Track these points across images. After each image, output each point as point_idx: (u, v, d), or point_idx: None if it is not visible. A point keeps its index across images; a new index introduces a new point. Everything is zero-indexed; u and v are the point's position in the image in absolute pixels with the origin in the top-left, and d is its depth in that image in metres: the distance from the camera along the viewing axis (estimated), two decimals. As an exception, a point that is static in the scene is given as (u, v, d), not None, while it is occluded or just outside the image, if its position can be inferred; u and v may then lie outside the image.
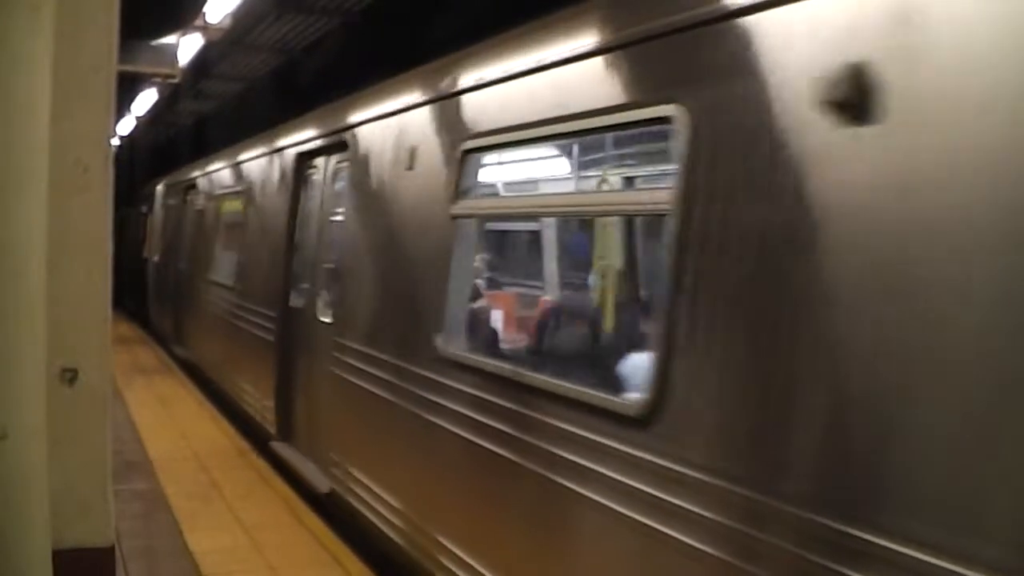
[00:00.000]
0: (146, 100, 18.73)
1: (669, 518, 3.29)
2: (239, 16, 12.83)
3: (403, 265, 6.02)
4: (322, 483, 7.07)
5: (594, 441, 3.76)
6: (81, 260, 3.06)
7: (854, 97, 2.72)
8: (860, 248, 2.71)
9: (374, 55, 11.65)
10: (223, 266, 11.53)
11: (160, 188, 17.89)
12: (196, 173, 14.36)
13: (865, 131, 2.70)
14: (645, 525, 3.41)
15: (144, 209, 19.80)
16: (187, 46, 13.36)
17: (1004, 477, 2.27)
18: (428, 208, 5.58)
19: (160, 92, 18.04)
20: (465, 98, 5.29)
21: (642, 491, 3.43)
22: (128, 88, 16.35)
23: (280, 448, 8.28)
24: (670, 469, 3.31)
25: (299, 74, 16.66)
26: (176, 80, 14.65)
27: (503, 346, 5.93)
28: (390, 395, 5.86)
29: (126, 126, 23.32)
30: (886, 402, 2.57)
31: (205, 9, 11.75)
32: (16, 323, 2.61)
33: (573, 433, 3.90)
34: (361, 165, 6.86)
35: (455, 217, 5.23)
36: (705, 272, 3.31)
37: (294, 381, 8.30)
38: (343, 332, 6.89)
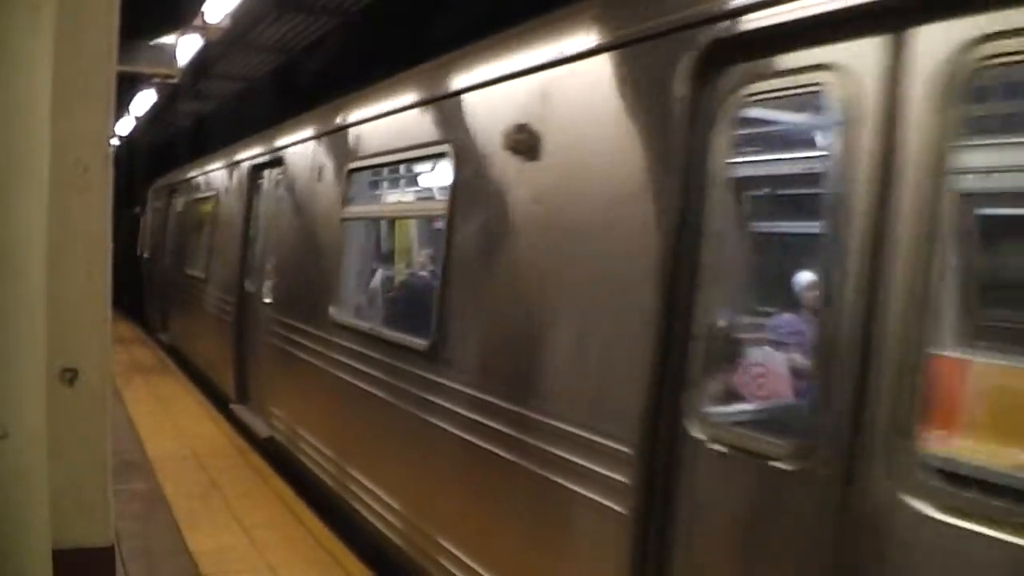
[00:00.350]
0: (145, 100, 18.71)
1: (441, 414, 5.23)
2: (238, 16, 12.81)
3: (313, 255, 7.85)
4: (263, 430, 8.83)
5: (405, 369, 5.77)
6: (81, 260, 3.06)
7: (527, 142, 4.56)
8: (533, 237, 4.55)
9: (374, 55, 11.66)
10: (197, 260, 13.19)
11: (151, 191, 19.58)
12: (177, 179, 16.20)
13: (532, 164, 4.55)
14: (430, 422, 5.35)
15: (137, 210, 21.47)
16: (186, 46, 13.34)
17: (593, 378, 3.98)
18: (328, 213, 7.49)
19: (159, 92, 18.02)
20: (350, 131, 7.21)
21: (430, 400, 5.38)
22: (127, 88, 16.34)
23: (237, 409, 9.90)
24: (442, 384, 5.27)
25: (299, 74, 16.66)
26: (175, 80, 14.64)
27: (369, 312, 7.74)
28: (305, 355, 7.74)
29: (125, 126, 23.31)
30: (541, 337, 4.36)
31: (204, 9, 11.75)
32: (16, 323, 2.61)
33: (396, 365, 5.92)
34: (291, 178, 8.74)
35: (343, 219, 7.16)
36: (459, 257, 5.20)
37: (248, 353, 9.86)
38: (278, 309, 8.70)
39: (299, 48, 16.61)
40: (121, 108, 18.56)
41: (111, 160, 3.17)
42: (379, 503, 6.09)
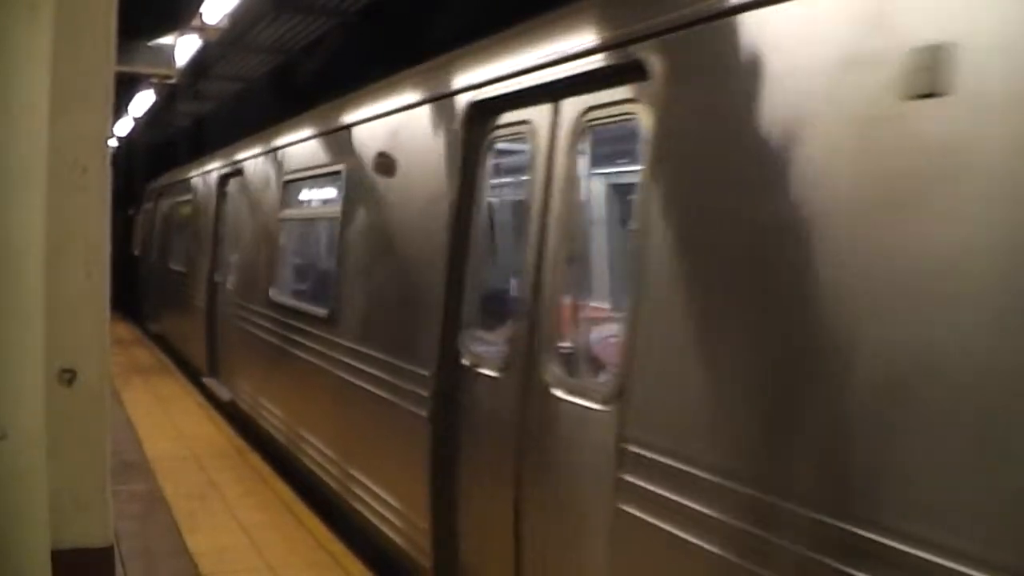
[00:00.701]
0: (143, 101, 18.70)
1: (335, 364, 6.93)
2: (237, 16, 12.80)
3: (261, 249, 9.76)
4: (226, 395, 10.70)
5: (312, 331, 7.61)
6: (80, 260, 3.06)
7: (386, 164, 6.27)
8: (389, 232, 6.31)
9: (373, 55, 11.65)
10: (178, 256, 15.09)
11: (144, 194, 21.23)
12: (164, 183, 18.19)
13: (389, 180, 6.31)
14: (328, 371, 7.08)
15: (131, 212, 22.85)
16: (184, 46, 13.33)
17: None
18: (271, 214, 9.49)
19: (158, 93, 18.01)
20: (284, 151, 9.25)
21: (328, 354, 7.11)
22: (125, 89, 16.32)
23: (208, 381, 11.69)
24: (335, 341, 6.98)
25: (297, 74, 16.66)
26: (173, 81, 14.62)
27: (294, 292, 9.15)
28: (255, 330, 9.59)
29: (123, 127, 23.30)
30: (390, 303, 6.11)
31: (202, 9, 11.74)
32: (15, 323, 2.61)
33: (308, 330, 7.71)
34: (247, 186, 10.73)
35: (280, 220, 9.23)
36: (346, 248, 7.03)
37: (217, 333, 11.64)
38: (237, 295, 10.55)
39: (297, 48, 16.59)
40: (119, 109, 18.54)
41: (109, 160, 3.17)
42: (309, 445, 7.61)
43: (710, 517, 3.10)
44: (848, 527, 2.61)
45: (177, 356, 14.41)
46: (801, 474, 2.82)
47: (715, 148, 3.37)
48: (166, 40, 11.76)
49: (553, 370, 4.32)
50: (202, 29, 12.73)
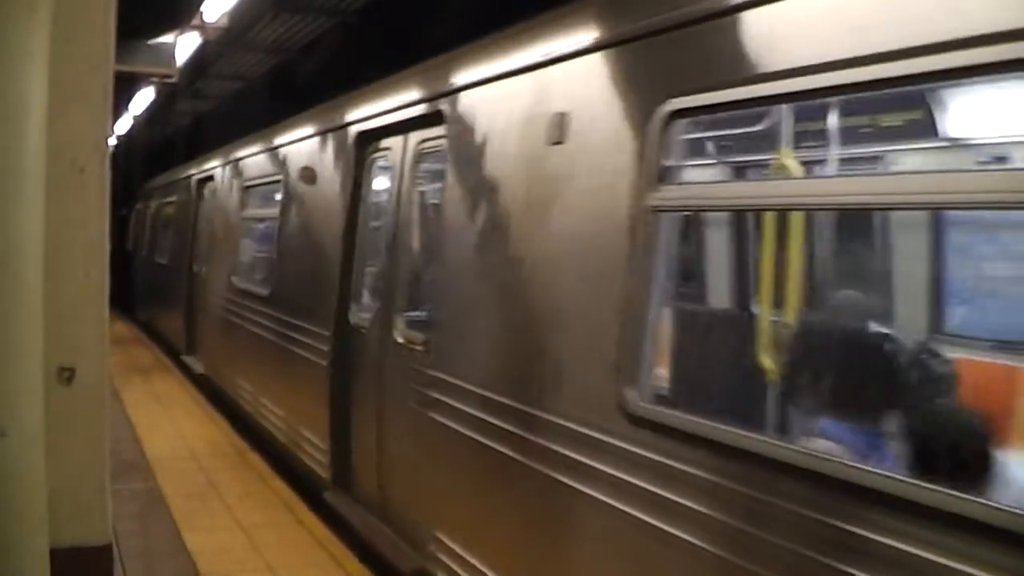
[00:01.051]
0: (143, 100, 18.71)
1: (272, 333, 8.81)
2: (236, 15, 12.81)
3: (227, 243, 11.61)
4: (199, 368, 12.56)
5: (257, 307, 9.52)
6: (79, 260, 3.06)
7: (310, 176, 8.25)
8: (309, 229, 8.28)
9: (372, 54, 11.65)
10: (163, 251, 16.86)
11: (138, 194, 22.90)
12: (153, 185, 20.23)
13: (311, 188, 8.30)
14: (268, 338, 8.96)
15: (123, 212, 23.76)
16: (184, 45, 13.33)
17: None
18: (235, 214, 11.46)
19: (157, 92, 18.00)
20: (243, 161, 11.30)
21: (268, 325, 8.99)
22: (125, 88, 16.32)
23: (186, 358, 13.56)
24: (273, 315, 8.86)
25: (296, 74, 16.66)
26: (173, 80, 14.60)
27: (250, 278, 10.73)
28: (222, 312, 11.27)
29: (123, 126, 23.29)
30: (308, 281, 8.03)
31: (202, 8, 11.74)
32: (14, 322, 2.61)
33: (256, 307, 9.56)
34: (218, 190, 12.65)
35: (241, 219, 11.25)
36: (283, 241, 8.97)
37: (195, 315, 13.45)
38: (210, 282, 12.28)
39: (296, 48, 16.60)
40: (119, 108, 18.54)
41: (108, 160, 3.17)
42: (263, 407, 9.18)
43: (469, 413, 4.90)
44: (530, 410, 4.30)
45: (161, 338, 16.35)
46: (508, 382, 4.58)
47: (468, 168, 5.21)
48: (166, 39, 11.75)
49: (399, 326, 6.24)
50: (202, 28, 12.72)
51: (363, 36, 13.65)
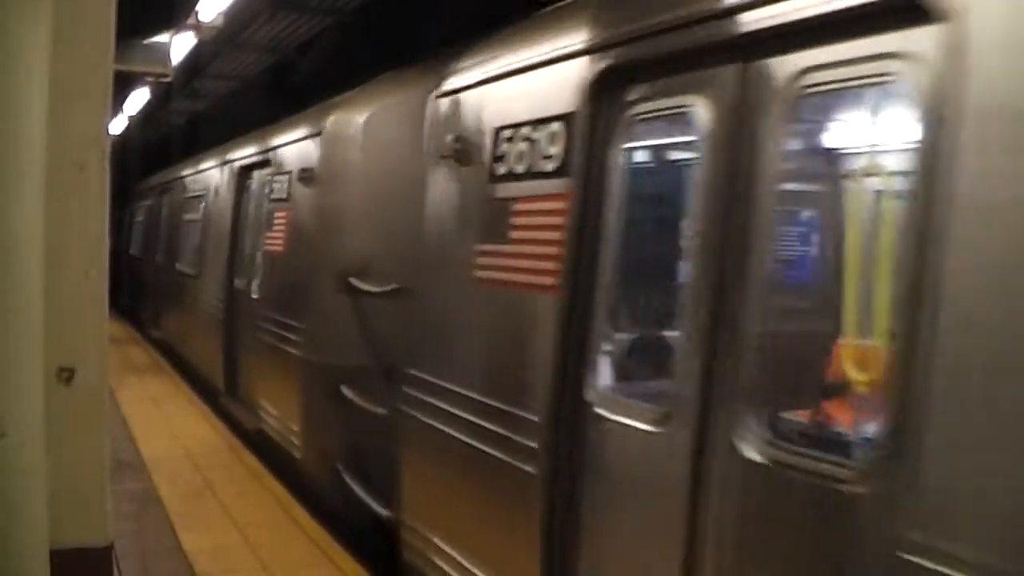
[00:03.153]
0: (138, 99, 18.66)
1: (204, 303, 12.20)
2: (232, 15, 12.77)
3: (178, 238, 15.00)
4: (156, 334, 16.27)
5: (191, 284, 13.30)
6: (78, 259, 3.05)
7: (216, 192, 12.64)
8: (214, 225, 12.48)
9: (368, 54, 11.64)
10: (137, 246, 20.74)
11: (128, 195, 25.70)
12: (138, 188, 22.83)
13: (217, 198, 12.47)
14: (203, 310, 12.22)
15: (119, 213, 25.47)
16: (180, 45, 13.30)
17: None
18: (181, 216, 14.97)
19: (153, 91, 17.95)
20: (186, 179, 15.18)
21: (199, 298, 12.62)
22: (121, 87, 16.28)
23: (153, 332, 16.72)
24: (202, 290, 12.45)
25: (293, 73, 16.63)
26: (169, 79, 14.58)
27: (186, 261, 14.09)
28: (174, 291, 14.72)
29: (118, 126, 23.23)
30: (219, 265, 11.51)
31: (198, 7, 11.72)
32: (14, 323, 2.61)
33: (192, 284, 13.24)
34: (174, 198, 16.14)
35: (185, 220, 14.66)
36: (207, 237, 12.74)
37: (159, 296, 16.64)
38: (166, 267, 15.83)
39: (292, 47, 16.57)
40: (114, 107, 18.49)
41: (108, 158, 3.16)
42: (196, 367, 12.67)
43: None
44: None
45: (134, 314, 19.28)
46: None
47: (278, 191, 9.17)
48: (161, 38, 11.72)
49: (251, 283, 9.60)
50: (197, 27, 12.69)
51: (359, 35, 13.64)
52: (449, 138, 5.01)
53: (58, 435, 2.84)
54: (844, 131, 3.71)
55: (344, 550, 6.26)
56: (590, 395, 3.82)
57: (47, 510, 2.67)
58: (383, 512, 6.03)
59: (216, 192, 12.15)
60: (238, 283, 10.48)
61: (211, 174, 12.68)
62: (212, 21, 12.43)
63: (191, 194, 14.24)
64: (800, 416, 3.30)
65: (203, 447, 8.95)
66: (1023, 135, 2.29)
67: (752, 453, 2.91)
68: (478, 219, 4.82)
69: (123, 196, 22.97)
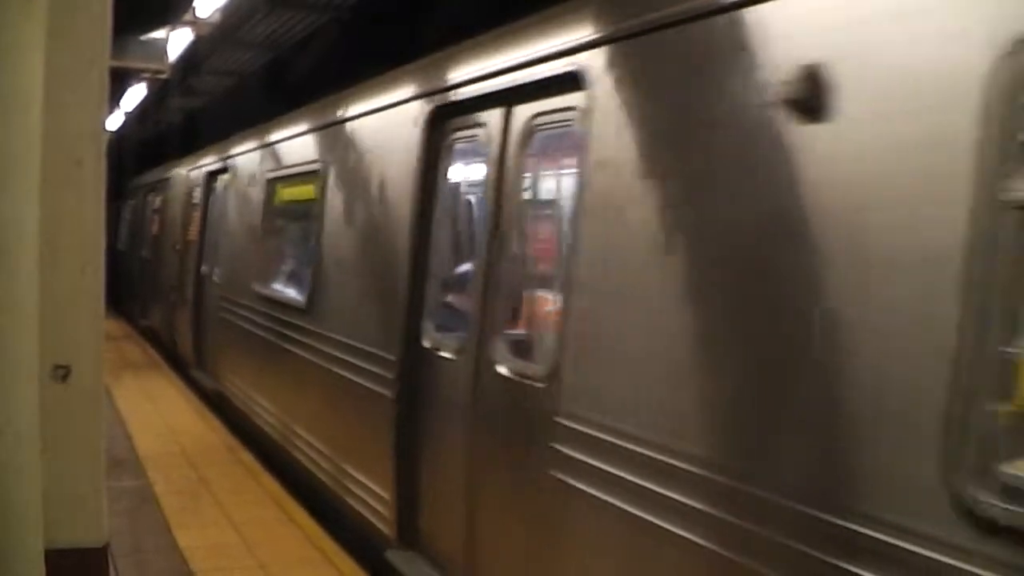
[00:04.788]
0: (135, 96, 18.63)
1: (157, 280, 16.83)
2: (229, 11, 12.76)
3: (148, 232, 18.28)
4: (141, 322, 17.82)
5: (153, 267, 17.52)
6: (75, 256, 3.01)
7: (185, 201, 15.05)
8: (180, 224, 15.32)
9: (365, 51, 11.62)
10: (123, 241, 22.40)
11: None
12: (129, 187, 23.87)
13: (183, 203, 15.26)
14: (172, 297, 14.96)
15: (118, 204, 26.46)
16: (176, 41, 13.27)
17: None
18: (146, 214, 19.24)
19: (149, 88, 17.92)
20: (178, 179, 16.02)
21: (153, 276, 17.12)
22: (117, 83, 16.24)
23: (140, 322, 18.14)
24: (158, 270, 16.82)
25: (290, 70, 16.60)
26: (165, 75, 14.56)
27: (153, 250, 17.27)
28: (148, 275, 17.56)
29: (114, 122, 23.18)
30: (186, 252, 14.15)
31: (195, 3, 11.69)
32: (8, 319, 2.58)
33: (152, 267, 17.56)
34: (148, 201, 18.84)
35: (153, 210, 18.23)
36: (162, 230, 16.81)
37: (143, 283, 18.24)
38: (151, 262, 17.46)
39: (290, 44, 16.54)
40: (111, 103, 18.47)
41: (105, 154, 3.13)
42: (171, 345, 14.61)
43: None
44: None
45: (120, 300, 20.21)
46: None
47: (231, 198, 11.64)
48: (158, 34, 11.69)
49: (213, 271, 11.32)
50: (194, 23, 12.66)
51: (357, 32, 13.61)
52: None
53: (53, 433, 2.81)
54: (558, 154, 4.98)
55: (341, 549, 6.24)
56: (425, 341, 5.64)
57: (42, 509, 2.65)
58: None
59: (186, 195, 14.40)
60: (205, 271, 12.34)
61: (186, 178, 14.60)
62: (209, 17, 12.42)
63: (167, 194, 16.47)
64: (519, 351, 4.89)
65: (200, 445, 8.92)
66: (615, 162, 3.86)
67: (501, 369, 4.73)
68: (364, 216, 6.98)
69: (118, 194, 22.95)
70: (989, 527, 2.28)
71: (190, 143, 18.87)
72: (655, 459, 3.40)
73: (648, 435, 3.46)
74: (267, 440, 8.52)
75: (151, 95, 19.54)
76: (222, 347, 10.77)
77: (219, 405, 10.44)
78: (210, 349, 11.56)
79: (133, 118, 23.75)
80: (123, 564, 5.74)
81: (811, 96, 2.85)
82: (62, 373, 2.93)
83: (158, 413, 10.31)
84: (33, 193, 2.69)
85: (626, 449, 3.56)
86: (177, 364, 13.55)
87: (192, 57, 16.39)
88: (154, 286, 16.42)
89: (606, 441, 3.68)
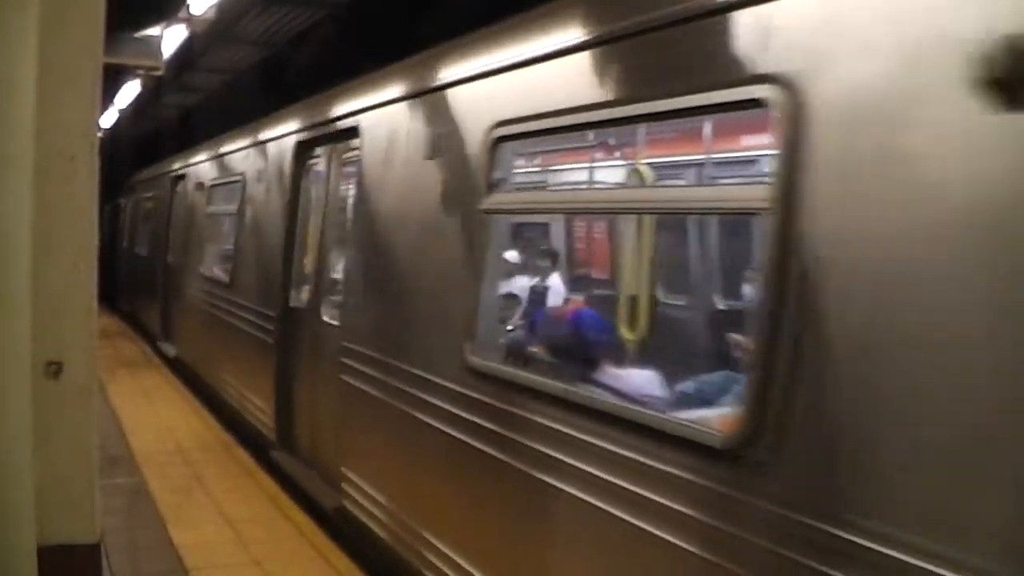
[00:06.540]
0: (129, 93, 18.60)
1: (152, 279, 17.09)
2: (223, 8, 12.75)
3: (127, 229, 21.14)
4: (126, 307, 19.44)
5: (151, 267, 16.99)
6: (67, 251, 2.98)
7: (157, 200, 17.85)
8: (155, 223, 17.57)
9: (360, 48, 11.60)
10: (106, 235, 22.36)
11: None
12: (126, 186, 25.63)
13: (156, 212, 17.73)
14: (150, 284, 16.62)
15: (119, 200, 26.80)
16: (171, 38, 13.24)
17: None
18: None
19: (144, 85, 17.89)
20: (142, 187, 19.82)
21: (150, 277, 17.47)
22: (111, 80, 16.20)
23: (123, 306, 19.77)
24: (133, 258, 19.69)
25: (285, 67, 16.59)
26: (160, 72, 14.51)
27: (137, 247, 18.52)
28: (132, 267, 19.48)
29: (108, 119, 23.14)
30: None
31: (189, 0, 11.67)
32: (0, 315, 2.57)
33: (146, 258, 17.99)
34: (138, 199, 19.80)
35: (131, 221, 21.00)
36: (134, 233, 20.05)
37: (127, 274, 20.17)
38: (139, 258, 18.21)
39: (285, 41, 16.53)
40: (105, 100, 18.42)
41: (97, 149, 3.10)
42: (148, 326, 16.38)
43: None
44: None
45: (106, 289, 21.33)
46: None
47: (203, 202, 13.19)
48: (152, 31, 11.65)
49: (176, 262, 13.95)
50: (189, 20, 12.64)
51: (353, 28, 13.60)
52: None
53: (45, 431, 2.79)
54: (353, 176, 7.23)
55: (336, 547, 6.23)
56: (292, 302, 8.21)
57: (34, 507, 2.63)
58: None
59: (158, 197, 16.74)
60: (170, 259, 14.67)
61: (157, 182, 16.91)
62: (204, 14, 12.40)
63: (151, 194, 18.04)
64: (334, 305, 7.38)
65: (194, 442, 8.91)
66: (371, 179, 6.53)
67: (324, 317, 7.38)
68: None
69: (112, 192, 22.91)
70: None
71: (185, 141, 18.83)
72: (384, 362, 5.75)
73: (379, 352, 5.89)
74: (204, 383, 11.27)
75: (146, 92, 19.51)
76: (179, 320, 13.78)
77: (180, 369, 12.92)
78: (171, 323, 14.43)
79: (128, 115, 23.70)
80: (117, 561, 5.73)
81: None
82: (54, 369, 2.90)
83: (153, 410, 10.29)
84: (26, 188, 2.67)
85: (371, 358, 5.98)
86: (149, 338, 16.04)
87: (187, 54, 16.37)
88: (132, 274, 19.39)
89: (365, 355, 6.10)
